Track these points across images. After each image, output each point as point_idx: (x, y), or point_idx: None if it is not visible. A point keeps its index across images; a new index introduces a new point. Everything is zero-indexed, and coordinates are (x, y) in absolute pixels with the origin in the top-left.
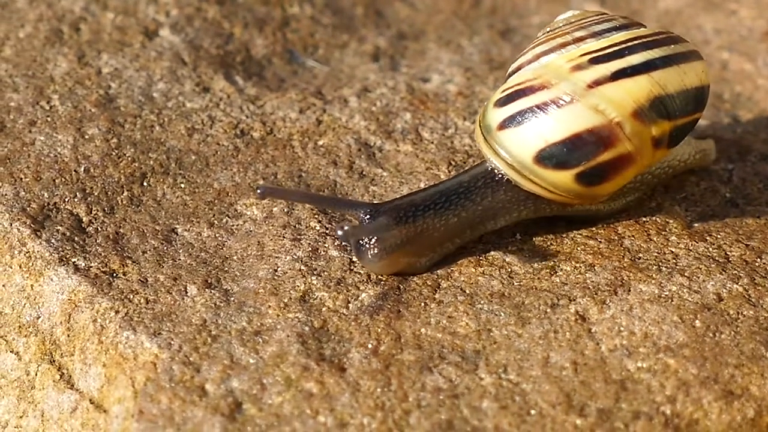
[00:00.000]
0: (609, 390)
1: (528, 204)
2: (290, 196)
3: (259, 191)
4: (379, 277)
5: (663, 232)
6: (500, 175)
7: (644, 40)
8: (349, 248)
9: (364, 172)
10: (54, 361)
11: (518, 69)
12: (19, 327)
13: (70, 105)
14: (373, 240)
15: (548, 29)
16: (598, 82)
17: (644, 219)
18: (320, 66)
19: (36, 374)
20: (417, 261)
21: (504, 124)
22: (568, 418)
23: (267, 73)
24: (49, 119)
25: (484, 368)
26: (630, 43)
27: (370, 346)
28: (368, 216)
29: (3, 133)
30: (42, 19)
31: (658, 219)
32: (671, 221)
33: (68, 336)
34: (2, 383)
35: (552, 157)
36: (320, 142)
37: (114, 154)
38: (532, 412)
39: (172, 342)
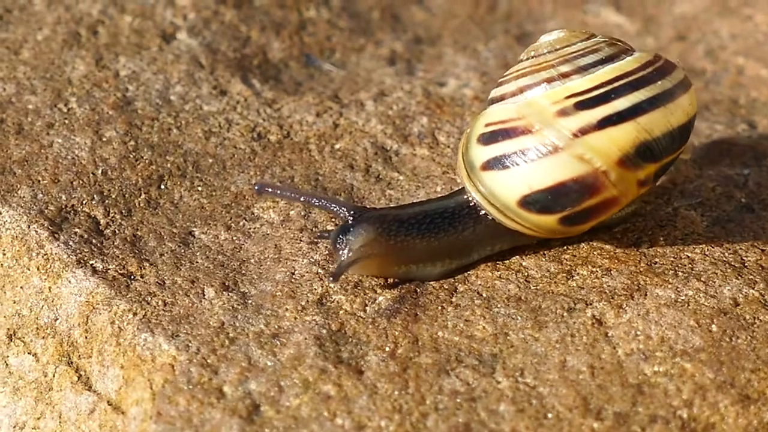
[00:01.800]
0: (626, 394)
1: (505, 239)
2: (283, 193)
3: (256, 187)
4: (396, 280)
5: (679, 237)
6: (483, 212)
7: (631, 78)
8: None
9: (380, 176)
10: (72, 362)
11: (501, 99)
12: (37, 329)
13: (88, 107)
14: (350, 242)
15: (533, 54)
16: (583, 131)
17: (660, 224)
18: (337, 69)
19: (54, 376)
20: (394, 270)
21: (488, 165)
22: (585, 422)
23: (284, 77)
24: (66, 122)
25: (501, 372)
26: (616, 83)
27: (387, 349)
28: (351, 218)
29: (21, 135)
30: (60, 22)
31: (674, 224)
32: (687, 226)
33: (86, 338)
34: (20, 384)
35: (536, 202)
36: (337, 146)
37: (131, 156)
38: (549, 415)
39: (190, 344)
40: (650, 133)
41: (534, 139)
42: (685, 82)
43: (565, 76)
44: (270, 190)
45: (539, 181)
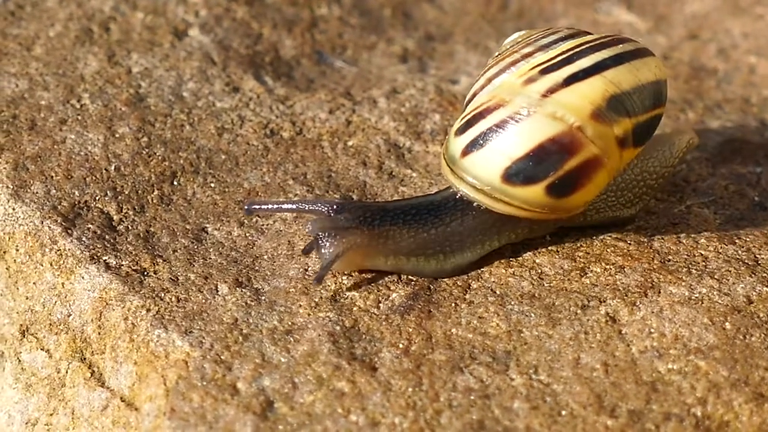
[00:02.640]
0: (640, 391)
1: (494, 230)
2: (272, 207)
3: (245, 208)
4: (410, 277)
5: (692, 235)
6: (474, 203)
7: (592, 44)
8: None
9: (393, 173)
10: (85, 359)
11: (473, 96)
12: (50, 325)
13: (101, 104)
14: (331, 235)
15: (497, 53)
16: (551, 90)
17: (673, 222)
18: (349, 67)
19: (66, 372)
20: (381, 261)
21: (467, 150)
22: (599, 419)
23: (296, 74)
24: (79, 118)
25: (514, 369)
26: (578, 49)
27: (401, 345)
28: (334, 212)
29: (34, 131)
30: (72, 18)
31: (687, 222)
32: (700, 224)
33: (99, 334)
34: (32, 381)
35: (519, 173)
36: (350, 143)
37: (144, 152)
38: (563, 412)
39: (204, 340)
40: (618, 86)
41: (505, 111)
42: (646, 50)
43: (528, 55)
44: (257, 207)
45: (517, 148)
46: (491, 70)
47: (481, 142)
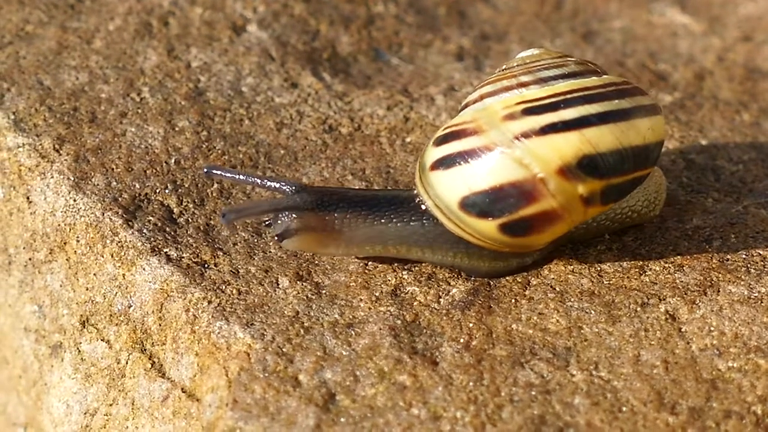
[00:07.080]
0: (700, 389)
1: (460, 247)
2: (231, 176)
3: (204, 170)
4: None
5: (750, 235)
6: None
7: (587, 92)
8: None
9: None
10: (145, 350)
11: (465, 107)
12: (110, 315)
13: (161, 97)
14: (287, 213)
15: (504, 67)
16: (525, 135)
17: (731, 221)
18: (405, 64)
19: (126, 363)
20: (332, 250)
21: (435, 165)
22: (660, 416)
23: (353, 70)
24: (139, 111)
25: (575, 365)
26: (570, 95)
27: (462, 340)
28: (291, 192)
29: (94, 123)
30: (131, 13)
31: (744, 221)
32: (757, 224)
33: (160, 325)
34: (92, 371)
35: (475, 205)
36: (408, 139)
37: (204, 146)
38: (624, 409)
39: (265, 333)
40: (595, 147)
41: (479, 140)
42: (648, 108)
43: (523, 85)
44: (218, 172)
45: (478, 182)
46: (487, 87)
47: (449, 162)
